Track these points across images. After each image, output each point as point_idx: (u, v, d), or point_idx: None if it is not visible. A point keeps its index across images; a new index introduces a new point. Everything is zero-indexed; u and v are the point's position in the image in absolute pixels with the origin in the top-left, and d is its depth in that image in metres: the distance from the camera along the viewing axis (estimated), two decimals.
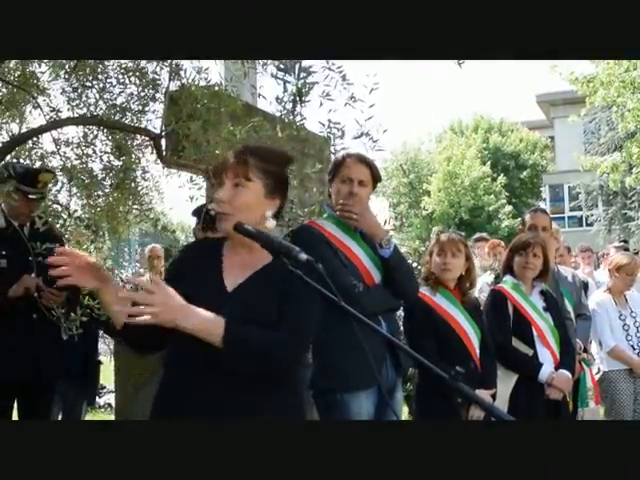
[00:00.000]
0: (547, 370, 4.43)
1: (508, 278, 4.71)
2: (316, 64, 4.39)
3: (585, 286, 6.46)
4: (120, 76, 4.58)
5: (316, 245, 3.46)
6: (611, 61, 15.50)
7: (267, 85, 6.25)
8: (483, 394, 3.92)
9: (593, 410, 5.50)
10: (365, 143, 5.15)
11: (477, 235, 9.34)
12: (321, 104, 4.44)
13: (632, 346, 5.57)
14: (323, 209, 4.14)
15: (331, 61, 4.34)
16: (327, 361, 3.51)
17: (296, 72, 4.82)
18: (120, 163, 4.67)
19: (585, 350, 5.53)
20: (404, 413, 6.54)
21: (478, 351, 4.08)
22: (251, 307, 2.36)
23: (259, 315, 2.35)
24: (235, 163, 2.45)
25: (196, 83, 4.35)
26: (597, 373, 5.57)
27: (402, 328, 4.27)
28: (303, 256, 2.20)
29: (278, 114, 4.77)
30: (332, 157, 3.97)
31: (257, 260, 2.46)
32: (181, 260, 2.61)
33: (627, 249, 8.30)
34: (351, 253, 3.59)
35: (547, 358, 4.50)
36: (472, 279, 4.22)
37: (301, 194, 4.80)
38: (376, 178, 3.74)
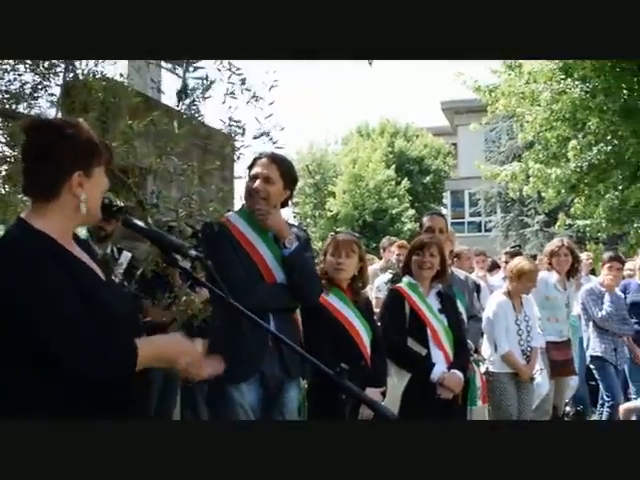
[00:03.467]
0: (439, 370, 4.54)
1: (406, 278, 4.80)
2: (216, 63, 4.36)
3: (478, 289, 6.66)
4: (15, 63, 4.42)
5: (217, 241, 3.56)
6: (512, 72, 15.99)
7: (169, 80, 6.16)
8: (373, 392, 3.98)
9: (481, 409, 5.67)
10: (265, 142, 5.16)
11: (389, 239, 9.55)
12: (224, 101, 4.41)
13: (523, 351, 5.75)
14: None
15: (232, 61, 4.33)
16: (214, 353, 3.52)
17: (189, 68, 4.80)
18: (15, 153, 4.52)
19: (476, 351, 5.69)
20: None
21: (369, 349, 4.14)
22: None
23: None
24: None
25: (92, 74, 4.26)
26: (485, 373, 5.72)
27: None
28: (192, 253, 2.21)
29: (178, 109, 4.72)
30: (234, 154, 3.97)
31: None
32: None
33: (520, 254, 8.56)
34: (254, 251, 3.66)
35: (440, 358, 4.61)
36: (365, 279, 4.29)
37: (200, 190, 4.75)
38: (287, 177, 3.77)
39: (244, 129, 5.13)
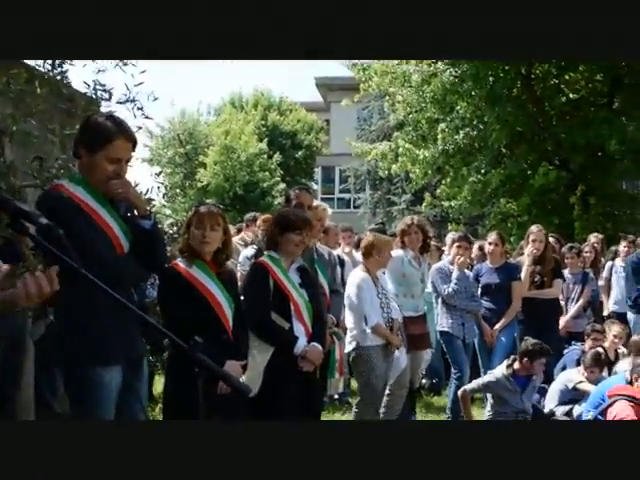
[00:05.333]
0: (302, 344, 4.60)
1: (270, 253, 4.81)
2: None
3: (342, 264, 6.78)
4: None
5: (67, 211, 3.33)
6: None
7: None
8: (234, 365, 3.99)
9: (337, 380, 5.81)
10: (131, 109, 5.02)
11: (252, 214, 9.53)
12: (84, 64, 4.25)
13: (386, 322, 5.90)
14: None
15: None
16: (76, 332, 3.39)
17: None
18: None
19: (337, 324, 5.80)
20: None
21: (231, 322, 4.14)
22: None
23: None
24: None
25: None
26: (355, 349, 5.83)
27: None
28: (43, 220, 2.11)
29: (40, 69, 4.51)
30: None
31: None
32: None
33: (384, 231, 8.78)
34: (103, 221, 3.49)
35: (301, 332, 4.67)
36: (229, 252, 4.27)
37: (60, 154, 4.57)
38: (134, 144, 3.65)
39: (111, 94, 4.98)
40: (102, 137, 3.46)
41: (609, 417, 5.51)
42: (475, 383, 6.75)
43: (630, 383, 5.72)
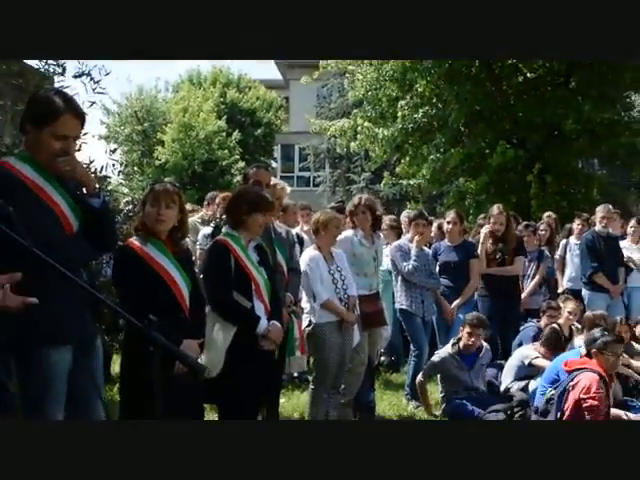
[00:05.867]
0: (264, 323, 4.57)
1: (229, 231, 4.76)
2: None
3: (301, 242, 6.77)
4: None
5: (13, 189, 3.23)
6: None
7: None
8: (191, 344, 3.96)
9: (299, 359, 5.81)
10: (86, 83, 4.93)
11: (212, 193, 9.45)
12: None
13: (340, 299, 5.90)
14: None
15: None
16: (25, 312, 3.30)
17: None
18: None
19: (295, 303, 5.80)
20: None
21: (188, 301, 4.10)
22: None
23: None
24: None
25: None
26: (308, 326, 5.84)
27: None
28: None
29: None
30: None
31: None
32: None
33: (343, 210, 8.77)
34: (50, 200, 3.40)
35: (262, 311, 4.65)
36: (184, 230, 4.22)
37: (11, 131, 4.47)
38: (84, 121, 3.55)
39: (64, 68, 4.87)
40: (49, 113, 3.35)
41: (577, 388, 5.54)
42: (426, 367, 6.89)
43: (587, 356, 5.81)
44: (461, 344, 6.81)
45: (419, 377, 6.86)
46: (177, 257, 4.09)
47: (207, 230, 6.94)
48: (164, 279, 3.99)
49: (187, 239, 4.96)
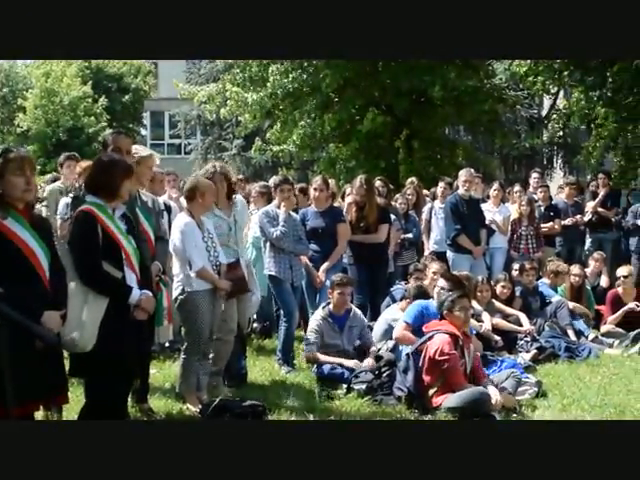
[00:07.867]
0: (137, 293, 4.45)
1: (94, 199, 4.54)
2: None
3: (169, 210, 6.66)
4: None
5: None
6: None
7: None
8: (53, 315, 3.83)
9: (166, 328, 5.74)
10: None
11: (68, 153, 9.02)
12: None
13: (213, 266, 5.86)
14: None
15: None
16: None
17: None
18: None
19: (164, 272, 5.71)
20: None
21: (48, 272, 3.95)
22: None
23: None
24: None
25: None
26: (182, 294, 5.77)
27: None
28: None
29: None
30: None
31: None
32: None
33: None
34: None
35: (133, 280, 4.50)
36: (35, 198, 4.06)
37: None
38: None
39: None
40: None
41: (429, 351, 5.90)
42: (307, 334, 7.00)
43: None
44: (331, 306, 6.94)
45: (306, 352, 6.94)
46: (34, 227, 3.93)
47: (67, 199, 6.71)
48: (22, 250, 3.82)
49: (42, 208, 4.78)
